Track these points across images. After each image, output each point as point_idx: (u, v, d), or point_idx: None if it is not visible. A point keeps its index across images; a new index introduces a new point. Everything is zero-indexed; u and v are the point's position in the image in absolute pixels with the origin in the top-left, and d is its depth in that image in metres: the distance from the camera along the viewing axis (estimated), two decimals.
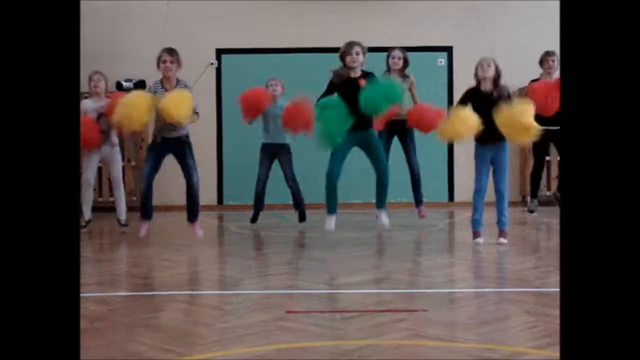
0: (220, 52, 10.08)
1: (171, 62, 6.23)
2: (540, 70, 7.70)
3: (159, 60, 6.26)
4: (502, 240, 6.12)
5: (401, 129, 7.20)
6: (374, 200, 6.73)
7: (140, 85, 9.67)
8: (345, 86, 6.04)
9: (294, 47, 9.95)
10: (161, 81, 6.33)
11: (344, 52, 6.06)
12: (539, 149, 7.70)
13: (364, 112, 5.87)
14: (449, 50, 10.10)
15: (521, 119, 5.72)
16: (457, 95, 9.88)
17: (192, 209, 6.48)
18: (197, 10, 10.02)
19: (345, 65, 6.08)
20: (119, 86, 9.68)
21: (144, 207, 6.46)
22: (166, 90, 6.25)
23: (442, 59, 10.16)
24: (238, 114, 9.82)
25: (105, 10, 10.00)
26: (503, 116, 5.78)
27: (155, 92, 6.28)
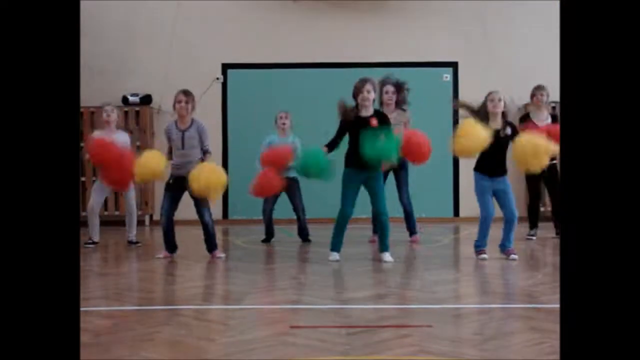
0: (226, 67, 10.12)
1: (186, 102, 6.37)
2: (528, 101, 7.78)
3: (175, 101, 6.41)
4: (513, 256, 6.11)
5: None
6: None
7: (146, 99, 9.72)
8: (356, 126, 6.04)
9: (300, 63, 10.00)
10: (175, 122, 6.47)
11: (356, 90, 6.04)
12: (533, 180, 7.67)
13: (368, 160, 5.92)
14: (454, 66, 10.13)
15: (538, 145, 5.83)
16: (463, 112, 9.96)
17: (209, 242, 6.53)
18: (203, 25, 10.07)
19: (357, 103, 6.07)
20: (125, 101, 9.73)
21: (167, 242, 6.53)
22: (181, 131, 6.37)
23: (447, 75, 10.18)
24: (243, 128, 9.90)
25: (112, 27, 10.06)
26: (520, 145, 5.88)
27: (170, 133, 6.45)
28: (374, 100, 6.12)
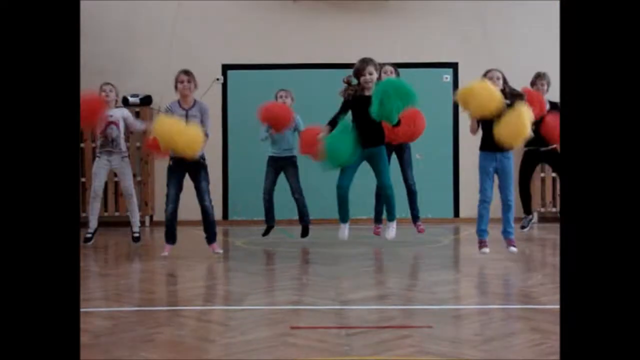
0: (226, 68, 10.12)
1: (188, 81, 6.42)
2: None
3: (177, 81, 6.44)
4: (512, 248, 6.14)
5: (398, 144, 7.21)
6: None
7: (146, 100, 9.72)
8: (357, 104, 6.06)
9: (301, 63, 10.00)
10: (178, 101, 6.46)
11: (357, 70, 6.06)
12: (525, 168, 7.69)
13: (377, 116, 5.84)
14: (454, 66, 10.13)
15: (518, 122, 5.78)
16: (463, 112, 9.98)
17: (209, 231, 6.55)
18: (203, 26, 10.07)
19: (359, 83, 6.09)
20: (125, 101, 9.73)
21: (169, 231, 6.54)
22: (184, 109, 6.41)
23: (447, 76, 10.19)
24: (243, 129, 9.89)
25: (112, 28, 10.06)
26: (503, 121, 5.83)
27: (173, 112, 6.43)
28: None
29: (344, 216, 6.30)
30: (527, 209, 7.86)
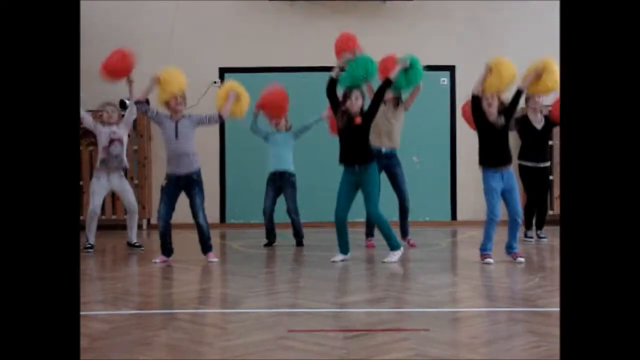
0: (223, 71, 10.12)
1: (181, 97, 6.54)
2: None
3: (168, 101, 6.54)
4: (520, 259, 6.20)
5: (388, 162, 7.22)
6: None
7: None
8: (343, 123, 6.36)
9: (298, 66, 9.99)
10: (169, 115, 6.57)
11: (344, 97, 6.36)
12: (528, 182, 7.73)
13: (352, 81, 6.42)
14: (451, 69, 10.13)
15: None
16: (460, 115, 9.98)
17: (204, 244, 6.57)
18: (200, 29, 10.07)
19: (346, 108, 6.35)
20: (122, 105, 9.72)
21: (164, 246, 6.55)
22: (174, 121, 6.50)
23: (444, 79, 10.19)
24: (241, 132, 9.88)
25: (111, 31, 10.05)
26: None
27: (161, 120, 6.54)
28: (361, 108, 6.35)
29: (344, 248, 6.48)
30: (529, 223, 7.89)
